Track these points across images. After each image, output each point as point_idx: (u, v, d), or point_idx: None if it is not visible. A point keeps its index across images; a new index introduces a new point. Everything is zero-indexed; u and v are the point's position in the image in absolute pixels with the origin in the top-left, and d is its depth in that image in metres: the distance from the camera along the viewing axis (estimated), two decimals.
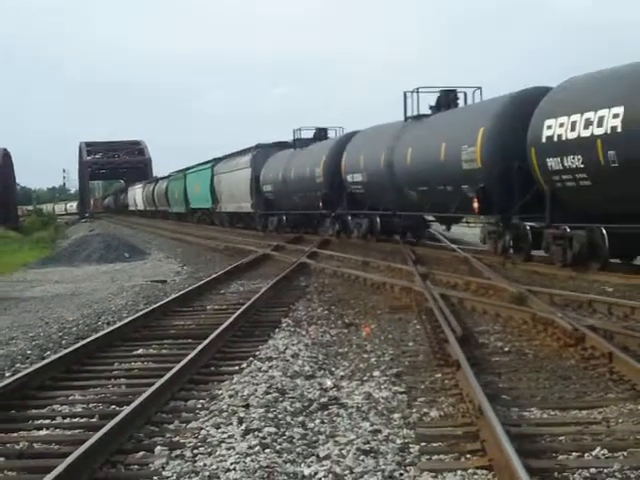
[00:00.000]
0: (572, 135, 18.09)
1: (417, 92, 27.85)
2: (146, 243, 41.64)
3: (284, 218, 41.00)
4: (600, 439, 6.86)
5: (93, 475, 6.34)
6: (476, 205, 21.82)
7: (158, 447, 6.96)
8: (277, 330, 12.82)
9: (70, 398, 8.95)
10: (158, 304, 15.40)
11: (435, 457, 6.62)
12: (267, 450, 6.72)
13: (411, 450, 6.76)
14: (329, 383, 9.18)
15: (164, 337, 12.59)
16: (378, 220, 30.46)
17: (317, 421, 7.70)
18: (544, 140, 19.20)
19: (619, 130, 16.61)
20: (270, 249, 29.51)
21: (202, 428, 7.46)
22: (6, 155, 75.94)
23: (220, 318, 13.60)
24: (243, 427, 7.35)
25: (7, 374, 10.24)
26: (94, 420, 8.02)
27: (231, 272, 21.82)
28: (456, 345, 9.87)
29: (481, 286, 16.41)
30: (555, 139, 18.73)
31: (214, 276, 20.49)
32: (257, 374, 9.57)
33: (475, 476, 6.12)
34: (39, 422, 8.02)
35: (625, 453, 6.50)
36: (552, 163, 18.94)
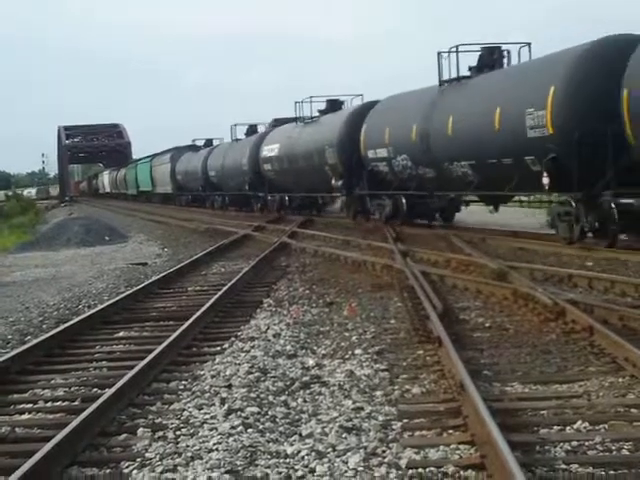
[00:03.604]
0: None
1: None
2: (126, 226, 41.52)
3: (189, 197, 61.03)
4: (581, 412, 6.90)
5: (76, 458, 6.33)
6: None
7: (141, 429, 6.96)
8: (259, 310, 12.83)
9: (52, 382, 8.92)
10: (139, 286, 15.38)
11: (417, 433, 6.63)
12: (250, 430, 6.73)
13: (393, 427, 6.77)
14: (311, 362, 9.19)
15: (145, 319, 12.57)
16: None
17: (299, 400, 7.71)
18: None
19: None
20: (251, 229, 29.53)
21: (184, 409, 7.46)
22: None
23: (201, 299, 13.60)
24: (225, 407, 7.35)
25: None
26: (76, 403, 8.00)
27: (212, 253, 21.81)
28: (437, 322, 9.89)
29: (462, 263, 16.43)
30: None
31: (195, 257, 20.47)
32: (239, 354, 9.58)
33: (457, 451, 6.14)
34: (21, 406, 8.00)
35: (606, 426, 6.54)
36: None
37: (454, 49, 24.37)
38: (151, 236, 34.01)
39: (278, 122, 41.50)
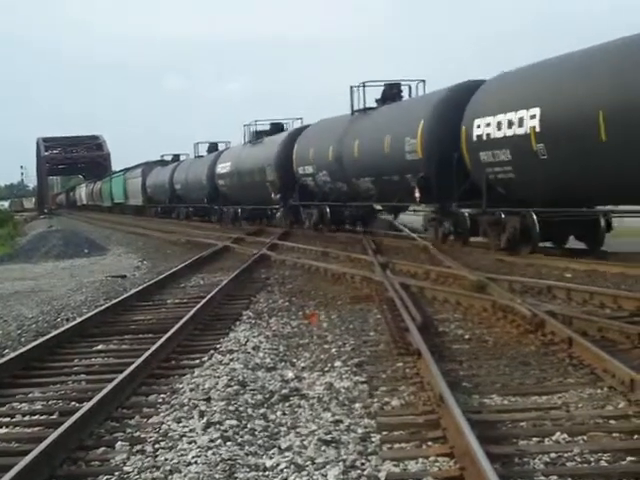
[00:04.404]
0: None
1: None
2: (105, 238, 41.42)
3: (159, 209, 64.54)
4: (560, 424, 6.91)
5: (54, 473, 6.29)
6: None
7: (119, 443, 6.93)
8: (238, 323, 12.82)
9: (30, 395, 8.87)
10: (118, 299, 15.33)
11: (397, 446, 6.63)
12: (228, 443, 6.71)
13: (373, 439, 6.77)
14: (290, 374, 9.18)
15: (124, 332, 12.52)
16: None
17: (278, 413, 7.70)
18: None
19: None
20: (230, 241, 29.52)
21: (163, 422, 7.43)
22: None
23: (181, 312, 13.57)
24: (204, 420, 7.33)
25: None
26: (54, 417, 7.96)
27: (191, 265, 21.77)
28: (417, 334, 9.90)
29: (441, 275, 16.46)
30: None
31: (174, 270, 20.42)
32: (218, 367, 9.55)
33: (437, 463, 6.14)
34: None
35: (585, 437, 6.56)
36: None
37: (362, 85, 29.58)
38: (130, 248, 33.95)
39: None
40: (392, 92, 28.72)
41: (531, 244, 19.70)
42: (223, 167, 44.73)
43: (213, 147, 54.39)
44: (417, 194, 23.74)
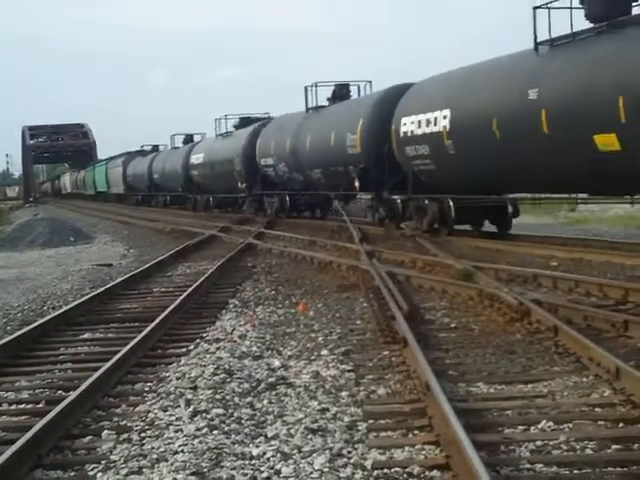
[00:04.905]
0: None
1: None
2: (91, 226, 41.31)
3: (140, 198, 66.94)
4: (546, 412, 6.93)
5: (40, 461, 6.28)
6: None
7: (105, 431, 6.92)
8: (224, 311, 12.81)
9: (16, 384, 8.86)
10: (104, 288, 15.30)
11: (383, 434, 6.64)
12: (215, 431, 6.71)
13: (359, 428, 6.78)
14: (277, 363, 9.18)
15: (110, 321, 12.51)
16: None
17: (265, 401, 7.70)
18: None
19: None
20: (216, 230, 29.48)
21: (150, 411, 7.43)
22: None
23: (167, 300, 13.56)
24: (191, 409, 7.33)
25: None
26: (40, 406, 7.94)
27: (177, 254, 21.73)
28: (403, 322, 9.91)
29: (427, 263, 16.47)
30: None
31: (160, 258, 20.39)
32: (205, 356, 9.55)
33: (423, 452, 6.16)
34: None
35: (570, 425, 6.58)
36: None
37: (315, 85, 32.51)
38: (116, 237, 33.91)
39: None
40: (341, 92, 31.76)
41: (448, 227, 22.23)
42: (197, 158, 47.53)
43: (189, 139, 57.04)
44: (357, 184, 26.54)
